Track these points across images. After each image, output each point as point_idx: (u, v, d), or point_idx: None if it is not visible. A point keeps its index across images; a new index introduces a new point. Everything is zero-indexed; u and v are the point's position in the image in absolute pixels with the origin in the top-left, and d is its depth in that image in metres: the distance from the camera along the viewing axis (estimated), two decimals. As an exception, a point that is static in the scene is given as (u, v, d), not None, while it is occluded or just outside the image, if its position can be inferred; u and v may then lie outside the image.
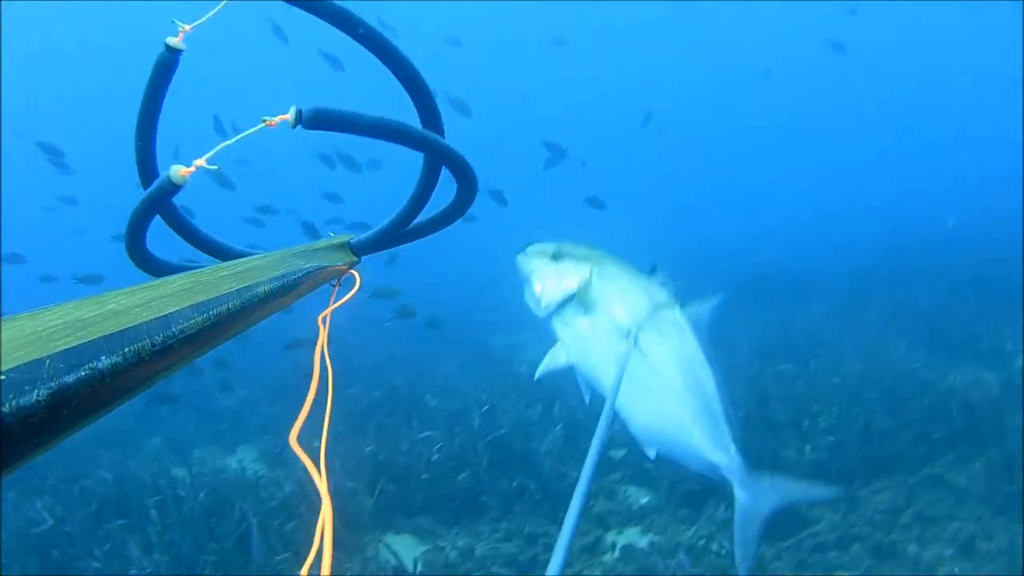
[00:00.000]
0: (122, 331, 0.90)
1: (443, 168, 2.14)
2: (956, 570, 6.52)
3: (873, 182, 36.38)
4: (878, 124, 52.99)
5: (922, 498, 7.52)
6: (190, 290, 1.13)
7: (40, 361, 0.78)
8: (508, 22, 51.77)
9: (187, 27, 1.84)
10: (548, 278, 4.77)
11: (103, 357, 0.84)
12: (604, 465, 9.30)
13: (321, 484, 1.18)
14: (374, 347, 14.67)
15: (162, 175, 1.66)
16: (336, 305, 1.76)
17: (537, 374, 5.16)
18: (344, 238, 2.18)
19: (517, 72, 55.31)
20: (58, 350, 0.81)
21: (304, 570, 1.07)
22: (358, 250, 2.16)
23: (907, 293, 15.44)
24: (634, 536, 7.95)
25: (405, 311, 11.44)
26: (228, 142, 1.70)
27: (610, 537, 7.94)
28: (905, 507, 7.42)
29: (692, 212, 33.63)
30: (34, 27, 40.73)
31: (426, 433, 9.68)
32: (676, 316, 4.82)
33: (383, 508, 8.44)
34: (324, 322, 1.65)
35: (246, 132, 1.74)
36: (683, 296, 5.04)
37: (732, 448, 4.67)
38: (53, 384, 0.76)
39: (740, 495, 4.67)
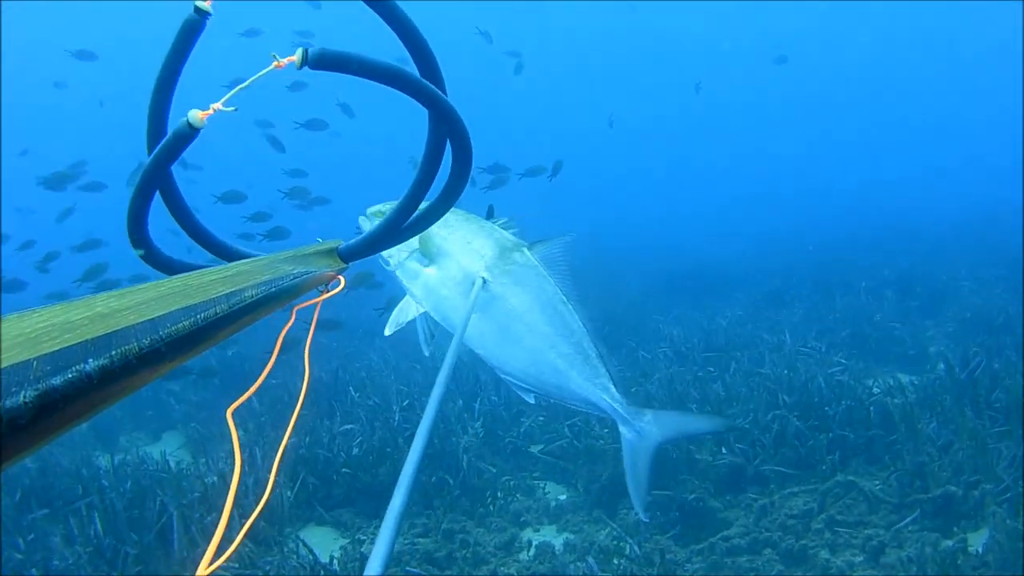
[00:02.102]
0: (109, 334, 0.90)
1: (435, 174, 2.23)
2: (865, 577, 6.53)
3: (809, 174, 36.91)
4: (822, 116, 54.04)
5: (835, 504, 7.53)
6: (179, 293, 1.14)
7: (27, 363, 0.77)
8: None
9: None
10: None
11: (90, 360, 0.83)
12: (523, 460, 9.24)
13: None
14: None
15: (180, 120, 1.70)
16: (322, 298, 1.85)
17: (388, 331, 5.19)
18: (332, 244, 2.23)
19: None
20: (45, 352, 0.81)
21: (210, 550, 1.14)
22: (346, 256, 2.22)
23: (828, 293, 15.65)
24: (550, 535, 7.86)
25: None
26: (244, 84, 1.76)
27: (527, 535, 7.85)
28: (818, 512, 7.44)
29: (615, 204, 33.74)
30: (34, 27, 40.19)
31: (347, 426, 9.59)
32: (526, 257, 4.81)
33: (304, 500, 8.42)
34: (297, 312, 1.74)
35: (259, 74, 1.80)
36: (529, 237, 5.03)
37: (611, 387, 4.75)
38: (40, 386, 0.76)
39: (625, 431, 4.79)
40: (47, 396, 0.76)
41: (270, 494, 1.10)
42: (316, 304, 1.92)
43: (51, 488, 8.73)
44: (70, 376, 0.79)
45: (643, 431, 4.74)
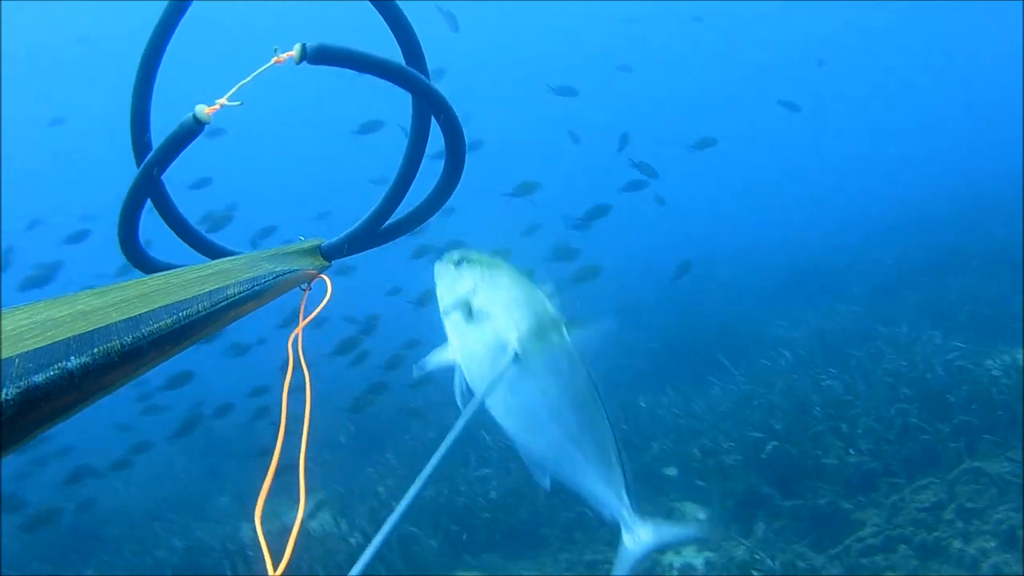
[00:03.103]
0: (92, 331, 0.92)
1: (418, 169, 2.27)
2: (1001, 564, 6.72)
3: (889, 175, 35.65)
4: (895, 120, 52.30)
5: (964, 492, 7.70)
6: (161, 291, 1.17)
7: (9, 360, 0.80)
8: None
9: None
10: (446, 283, 4.66)
11: (72, 357, 0.85)
12: (658, 483, 9.59)
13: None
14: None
15: (187, 114, 1.73)
16: (307, 321, 1.75)
17: (417, 373, 4.98)
18: (315, 242, 2.22)
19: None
20: (27, 349, 0.83)
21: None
22: (328, 254, 2.22)
23: (941, 276, 15.50)
24: (691, 556, 8.23)
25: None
26: (245, 80, 1.77)
27: (667, 558, 8.22)
28: (948, 503, 7.62)
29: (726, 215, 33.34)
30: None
31: (483, 471, 10.05)
32: (564, 339, 4.70)
33: (448, 548, 8.79)
34: (297, 343, 1.64)
35: (260, 69, 1.80)
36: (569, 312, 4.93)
37: (624, 493, 4.68)
38: (22, 383, 0.77)
39: (626, 539, 4.70)
40: (29, 394, 0.77)
41: (301, 519, 1.31)
42: (303, 302, 1.85)
43: (199, 566, 9.20)
44: (52, 374, 0.81)
45: (641, 539, 4.69)
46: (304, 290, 1.90)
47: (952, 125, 43.78)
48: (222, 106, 1.74)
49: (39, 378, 0.79)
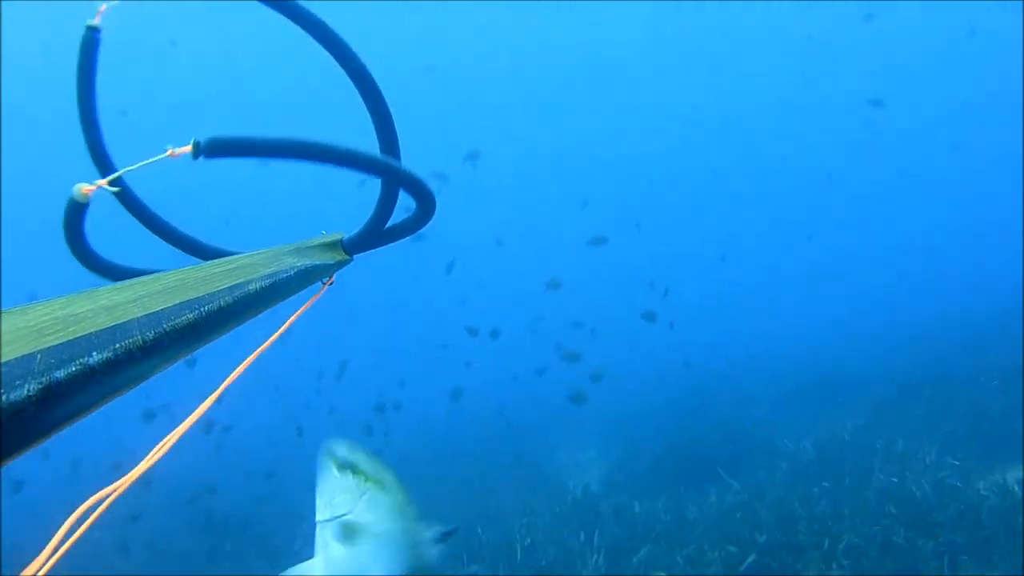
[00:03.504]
0: (113, 327, 0.91)
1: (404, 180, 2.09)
2: None
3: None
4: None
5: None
6: (182, 287, 1.15)
7: (31, 356, 0.79)
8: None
9: (103, 6, 1.90)
10: (326, 487, 4.24)
11: (94, 353, 0.84)
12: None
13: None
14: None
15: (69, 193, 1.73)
16: (305, 307, 1.74)
17: None
18: (336, 236, 2.16)
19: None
20: (49, 345, 0.83)
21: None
22: (350, 248, 2.14)
23: (949, 392, 15.42)
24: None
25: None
26: (130, 167, 1.77)
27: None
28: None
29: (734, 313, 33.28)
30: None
31: (474, 568, 10.15)
32: None
33: None
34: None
35: (147, 161, 1.72)
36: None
37: None
38: (44, 379, 0.77)
39: None
40: (51, 390, 0.77)
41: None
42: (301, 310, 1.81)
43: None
44: (74, 369, 0.81)
45: None
46: (324, 283, 1.91)
47: (968, 237, 43.59)
48: (99, 188, 1.73)
49: (61, 374, 0.79)
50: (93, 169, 2.13)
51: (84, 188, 1.69)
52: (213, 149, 1.59)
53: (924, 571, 8.29)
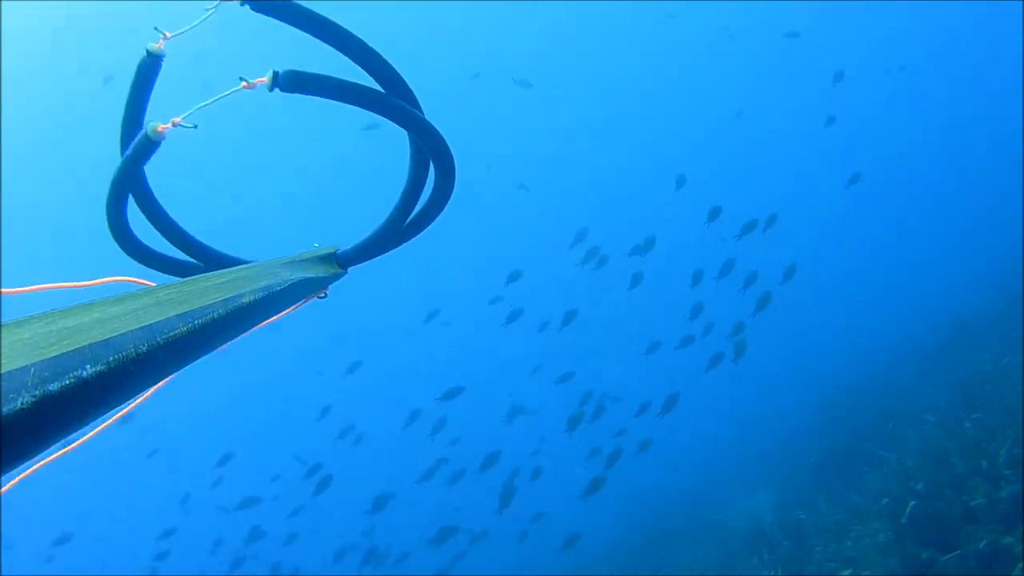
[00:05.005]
0: (107, 340, 0.90)
1: (429, 172, 2.12)
2: None
3: None
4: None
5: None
6: (176, 300, 1.14)
7: (25, 369, 0.78)
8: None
9: (168, 34, 1.87)
10: None
11: (88, 366, 0.84)
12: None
13: None
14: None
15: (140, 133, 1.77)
16: (297, 306, 1.73)
17: None
18: (329, 249, 2.15)
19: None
20: (43, 358, 0.82)
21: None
22: (344, 261, 2.13)
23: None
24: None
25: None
26: (206, 102, 1.76)
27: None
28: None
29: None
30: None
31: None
32: None
33: None
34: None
35: (224, 93, 1.76)
36: None
37: None
38: (37, 392, 0.76)
39: None
40: (44, 402, 0.76)
41: None
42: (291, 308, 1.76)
43: None
44: (67, 382, 0.80)
45: None
46: (321, 298, 1.93)
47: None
48: (176, 125, 1.75)
49: (54, 387, 0.79)
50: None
51: (159, 126, 1.73)
52: (290, 83, 1.63)
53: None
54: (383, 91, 1.85)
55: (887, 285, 28.76)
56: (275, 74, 1.62)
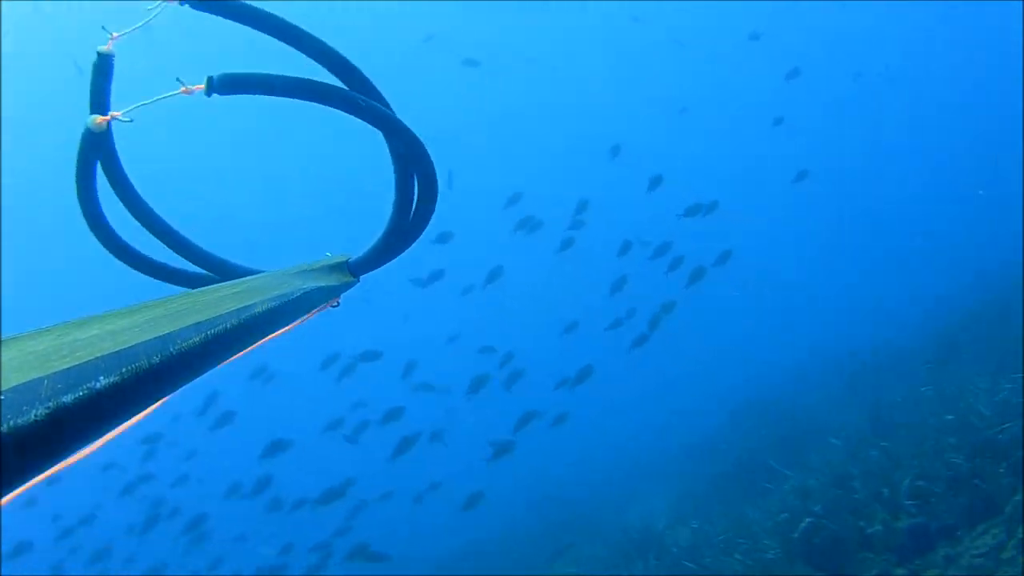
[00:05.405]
0: (120, 351, 0.89)
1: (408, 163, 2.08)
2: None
3: None
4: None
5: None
6: (188, 310, 1.15)
7: (39, 381, 0.78)
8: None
9: (115, 34, 1.84)
10: None
11: (101, 377, 0.82)
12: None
13: None
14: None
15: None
16: (309, 316, 1.69)
17: None
18: (341, 258, 2.14)
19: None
20: (56, 370, 0.81)
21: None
22: (356, 269, 2.12)
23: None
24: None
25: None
26: (146, 102, 1.75)
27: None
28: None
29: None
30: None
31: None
32: None
33: None
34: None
35: (160, 96, 1.74)
36: None
37: None
38: (51, 404, 0.74)
39: None
40: (58, 415, 0.74)
41: None
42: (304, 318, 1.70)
43: None
44: (81, 394, 0.78)
45: None
46: (333, 306, 1.91)
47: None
48: (114, 119, 1.77)
49: (68, 399, 0.76)
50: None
51: (98, 118, 1.75)
52: (226, 85, 1.64)
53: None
54: (327, 82, 1.80)
55: (819, 299, 29.40)
56: (209, 79, 1.62)
